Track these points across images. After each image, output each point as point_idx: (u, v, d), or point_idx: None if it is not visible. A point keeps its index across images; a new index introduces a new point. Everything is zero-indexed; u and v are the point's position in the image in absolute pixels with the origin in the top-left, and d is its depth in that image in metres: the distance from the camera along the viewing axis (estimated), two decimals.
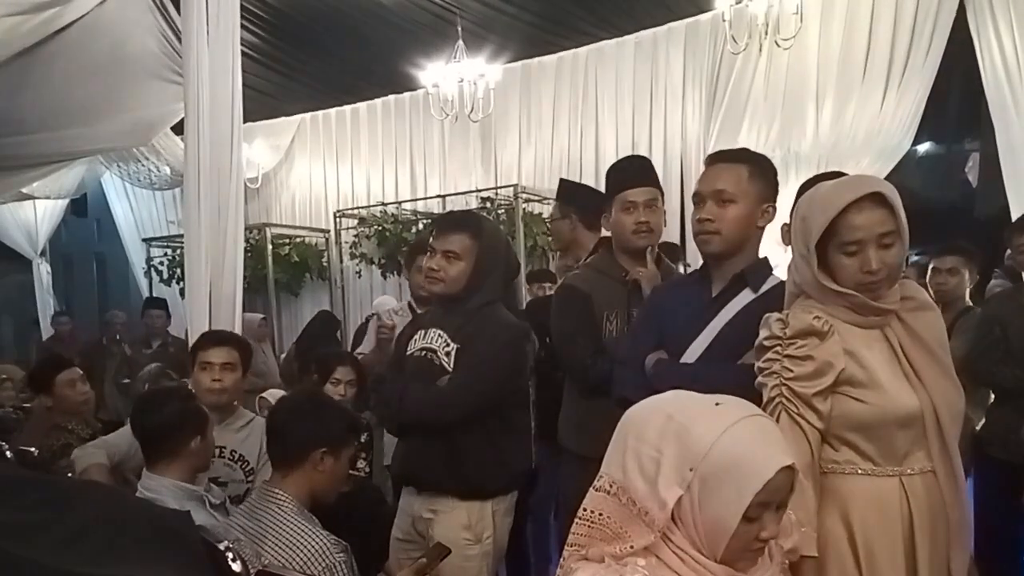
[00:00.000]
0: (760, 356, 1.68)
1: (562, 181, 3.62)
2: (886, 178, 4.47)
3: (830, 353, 1.60)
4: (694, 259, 4.69)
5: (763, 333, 1.67)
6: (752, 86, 5.19)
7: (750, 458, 1.15)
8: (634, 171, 2.52)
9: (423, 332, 2.43)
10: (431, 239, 2.42)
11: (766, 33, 4.60)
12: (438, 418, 2.26)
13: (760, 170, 1.98)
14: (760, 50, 4.92)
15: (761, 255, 2.06)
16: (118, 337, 6.17)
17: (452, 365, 2.30)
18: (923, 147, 9.17)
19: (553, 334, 2.56)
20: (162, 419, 2.23)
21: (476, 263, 2.33)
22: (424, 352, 2.38)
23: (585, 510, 1.23)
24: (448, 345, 2.33)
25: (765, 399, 1.63)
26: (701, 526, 1.16)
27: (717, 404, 1.21)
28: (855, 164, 4.69)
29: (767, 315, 1.69)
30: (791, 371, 1.60)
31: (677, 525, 1.19)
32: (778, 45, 4.65)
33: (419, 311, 3.66)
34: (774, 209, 2.00)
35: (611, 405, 1.82)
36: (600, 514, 1.21)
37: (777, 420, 1.57)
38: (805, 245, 1.67)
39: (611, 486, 1.21)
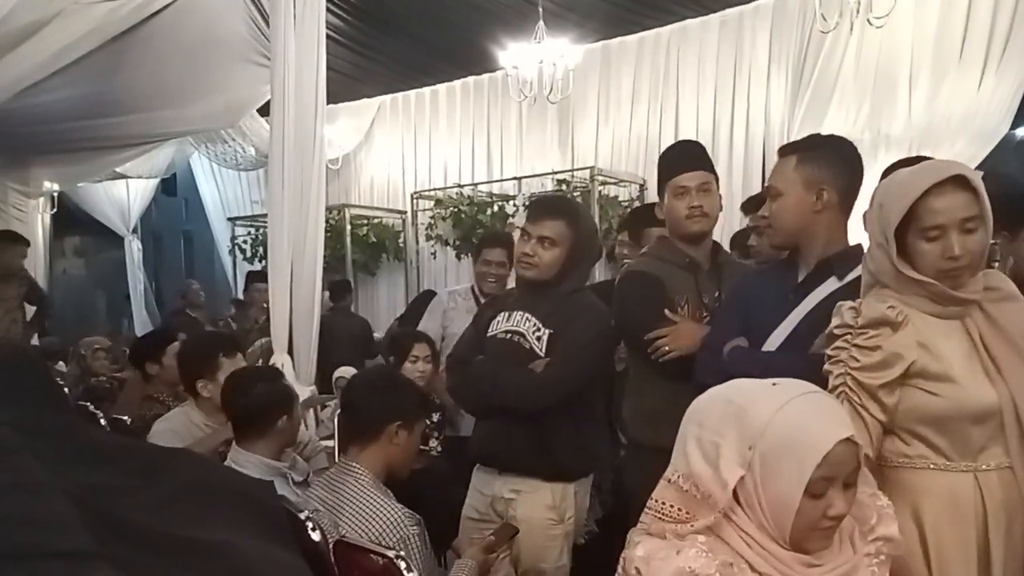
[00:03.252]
0: (830, 344, 1.65)
1: (638, 211, 3.64)
2: (982, 163, 4.32)
3: (901, 344, 1.56)
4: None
5: (835, 321, 1.64)
6: (841, 66, 5.02)
7: (807, 432, 1.16)
8: (685, 155, 2.48)
9: (506, 314, 2.44)
10: (525, 222, 2.41)
11: (858, 11, 4.42)
12: (534, 403, 2.28)
13: (811, 155, 1.93)
14: (851, 29, 4.75)
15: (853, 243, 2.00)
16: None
17: (544, 350, 2.32)
18: (1022, 131, 8.74)
19: (627, 320, 2.46)
20: (251, 400, 2.32)
21: (570, 250, 2.34)
22: (510, 335, 2.40)
23: (654, 500, 1.26)
24: (539, 330, 2.35)
25: (829, 388, 1.59)
26: (766, 505, 1.17)
27: (774, 384, 1.23)
28: (949, 147, 4.51)
29: (840, 303, 1.65)
30: (857, 361, 1.57)
31: (743, 508, 1.20)
32: (870, 23, 4.45)
33: (483, 301, 3.69)
34: (834, 191, 1.91)
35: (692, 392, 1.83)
36: (664, 503, 1.24)
37: None
38: (883, 232, 1.62)
39: (675, 475, 1.24)
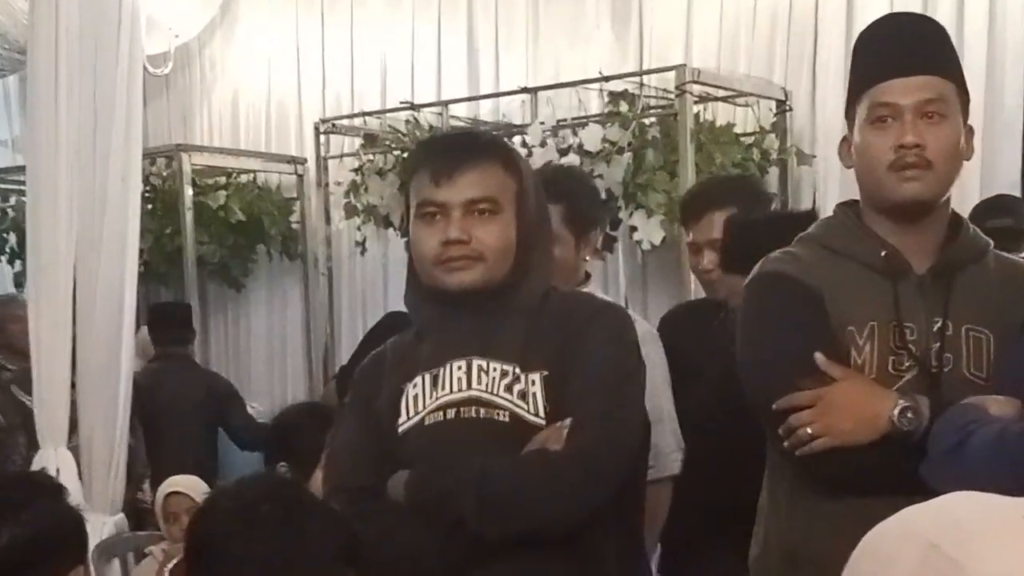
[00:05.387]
0: None
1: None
2: None
3: None
4: None
5: None
6: None
7: None
8: (898, 44, 2.23)
9: (430, 375, 2.30)
10: (426, 185, 2.38)
11: None
12: (578, 509, 2.10)
13: None
14: None
15: None
16: None
17: (545, 409, 2.18)
18: None
19: (747, 369, 2.26)
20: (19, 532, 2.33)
21: (520, 214, 2.36)
22: (460, 409, 2.23)
23: None
24: (518, 378, 2.24)
25: None
26: None
27: None
28: None
29: None
30: None
31: None
32: None
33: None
34: None
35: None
36: None
37: None
38: None
39: None
